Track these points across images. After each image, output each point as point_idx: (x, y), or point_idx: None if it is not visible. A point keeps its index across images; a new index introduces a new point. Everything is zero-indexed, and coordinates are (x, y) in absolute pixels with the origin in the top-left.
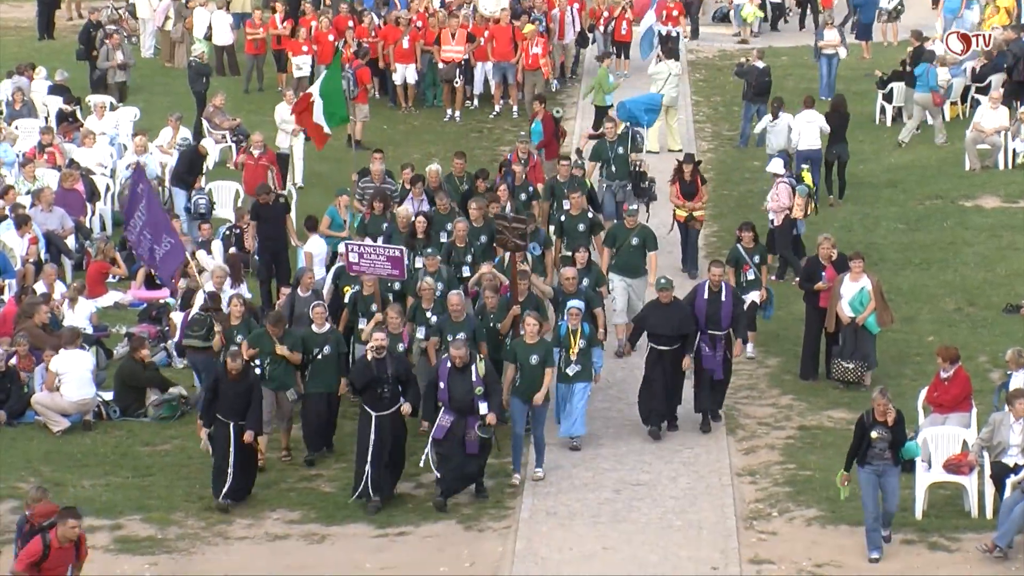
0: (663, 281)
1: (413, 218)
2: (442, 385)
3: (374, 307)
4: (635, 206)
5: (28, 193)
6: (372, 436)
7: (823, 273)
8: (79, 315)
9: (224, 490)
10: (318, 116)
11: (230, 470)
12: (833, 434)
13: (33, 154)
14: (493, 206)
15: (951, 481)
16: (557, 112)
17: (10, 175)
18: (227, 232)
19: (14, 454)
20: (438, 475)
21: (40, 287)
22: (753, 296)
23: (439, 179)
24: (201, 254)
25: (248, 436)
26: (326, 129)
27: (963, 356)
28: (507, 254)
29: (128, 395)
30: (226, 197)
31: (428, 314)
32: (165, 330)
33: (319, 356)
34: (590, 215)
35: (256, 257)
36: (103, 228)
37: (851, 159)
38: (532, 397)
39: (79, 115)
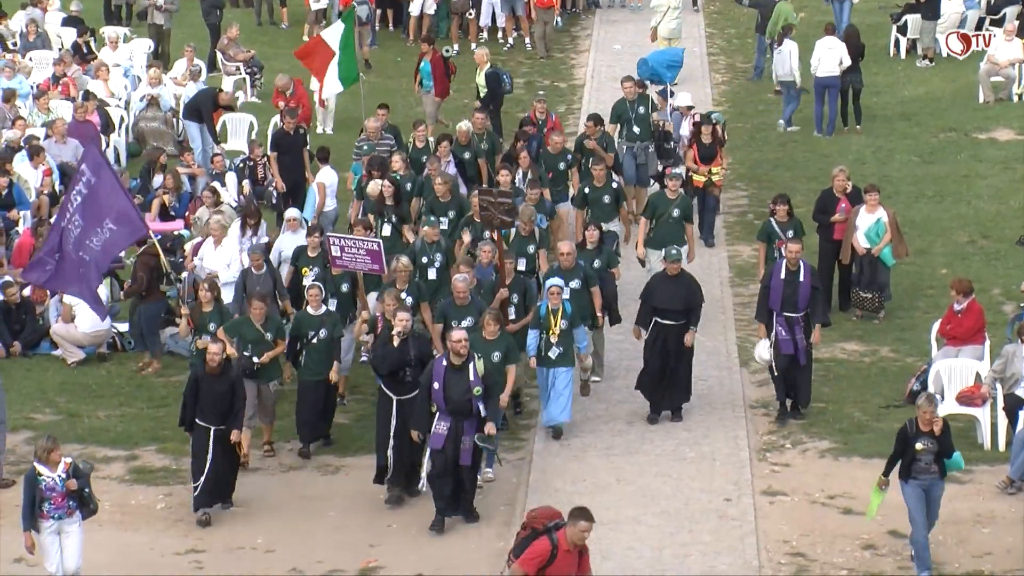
0: (674, 252)
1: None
2: (436, 386)
3: (344, 287)
4: (679, 170)
5: (43, 125)
6: (394, 420)
7: (841, 206)
8: None
9: (199, 498)
10: (332, 76)
11: (202, 478)
12: (846, 366)
13: (47, 86)
14: (503, 175)
15: (964, 413)
16: (446, 51)
17: (24, 107)
18: (240, 164)
19: (29, 385)
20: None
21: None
22: None
23: (469, 138)
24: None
25: (235, 436)
26: (338, 88)
27: (976, 288)
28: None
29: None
30: (240, 129)
31: (403, 295)
32: (179, 261)
33: (314, 340)
34: (615, 185)
35: (272, 189)
36: (117, 160)
37: (865, 91)
38: (491, 397)
39: (93, 47)
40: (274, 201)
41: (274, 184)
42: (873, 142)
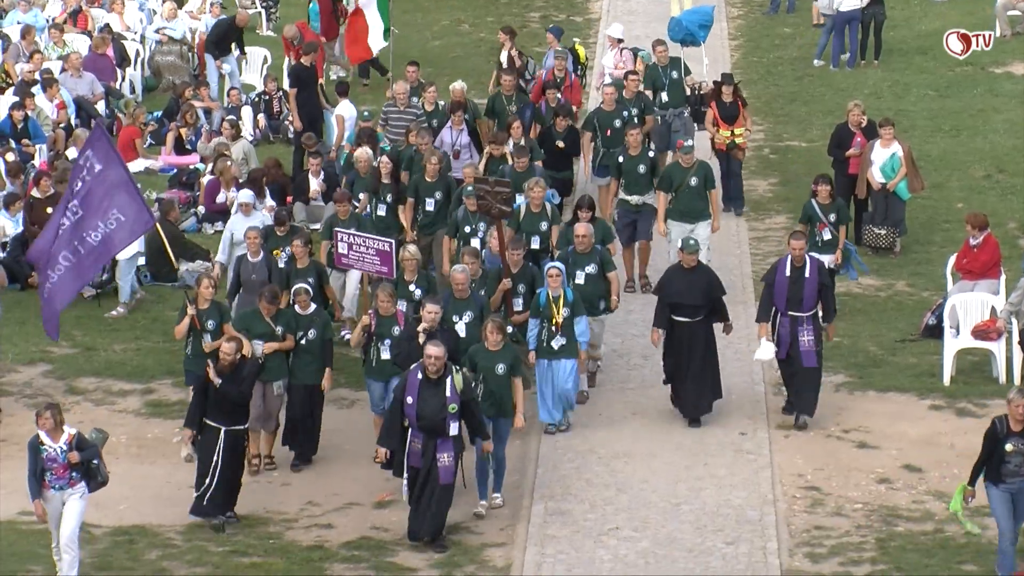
0: (692, 242)
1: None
2: (410, 400)
3: (311, 281)
4: (690, 142)
5: (58, 58)
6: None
7: (856, 140)
8: None
9: (198, 504)
10: (375, 38)
11: (210, 481)
12: (862, 300)
13: (63, 19)
14: (494, 148)
15: (979, 347)
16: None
17: (40, 40)
18: (256, 99)
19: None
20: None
21: (72, 152)
22: (826, 260)
23: (463, 98)
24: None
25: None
26: (375, 51)
27: (992, 223)
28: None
29: (160, 260)
30: (255, 63)
31: (412, 287)
32: (195, 195)
33: (302, 341)
34: (651, 154)
35: (287, 123)
36: (133, 93)
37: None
38: (496, 412)
39: None
40: (290, 135)
41: (290, 120)
42: (889, 76)
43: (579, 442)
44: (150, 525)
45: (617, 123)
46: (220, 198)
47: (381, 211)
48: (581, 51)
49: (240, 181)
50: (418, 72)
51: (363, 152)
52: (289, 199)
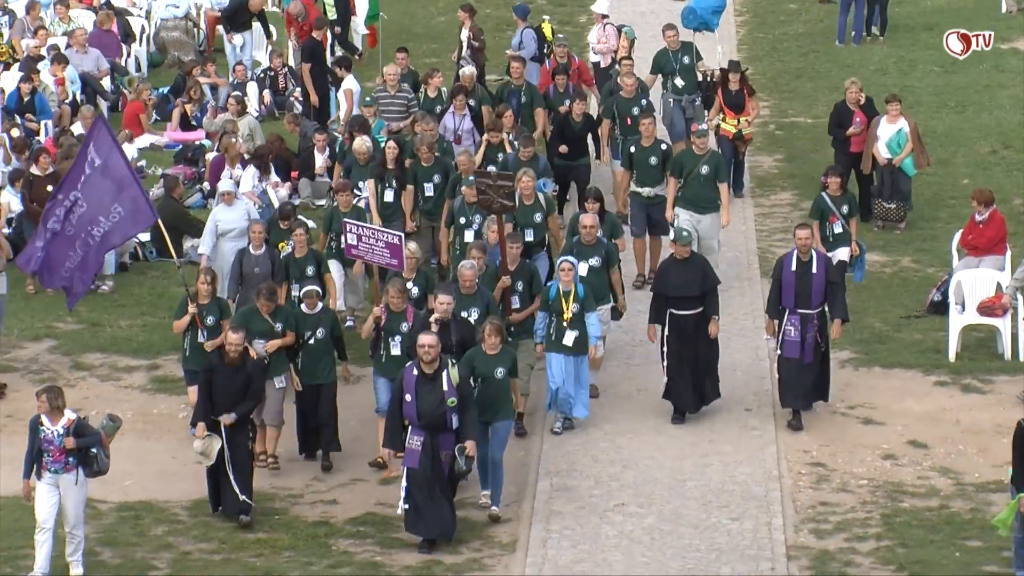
0: (684, 233)
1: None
2: (408, 398)
3: (310, 270)
4: (704, 126)
5: (63, 34)
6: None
7: (856, 119)
8: None
9: (229, 505)
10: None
11: (231, 481)
12: (867, 276)
13: None
14: (492, 135)
15: (985, 323)
16: None
17: (45, 16)
18: (261, 75)
19: (51, 294)
20: (404, 511)
21: (77, 128)
22: (841, 254)
23: (472, 83)
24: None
25: (226, 419)
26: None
27: (998, 199)
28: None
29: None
30: (260, 39)
31: (410, 284)
32: (201, 171)
33: (310, 341)
34: (664, 146)
35: (293, 98)
36: (138, 69)
37: (888, 2)
38: (494, 416)
39: None
40: (297, 110)
41: (302, 95)
42: (895, 52)
43: (585, 418)
44: (156, 501)
45: (635, 111)
46: (225, 175)
47: (388, 197)
48: (547, 29)
49: (246, 157)
50: (407, 59)
51: (361, 143)
52: (294, 175)
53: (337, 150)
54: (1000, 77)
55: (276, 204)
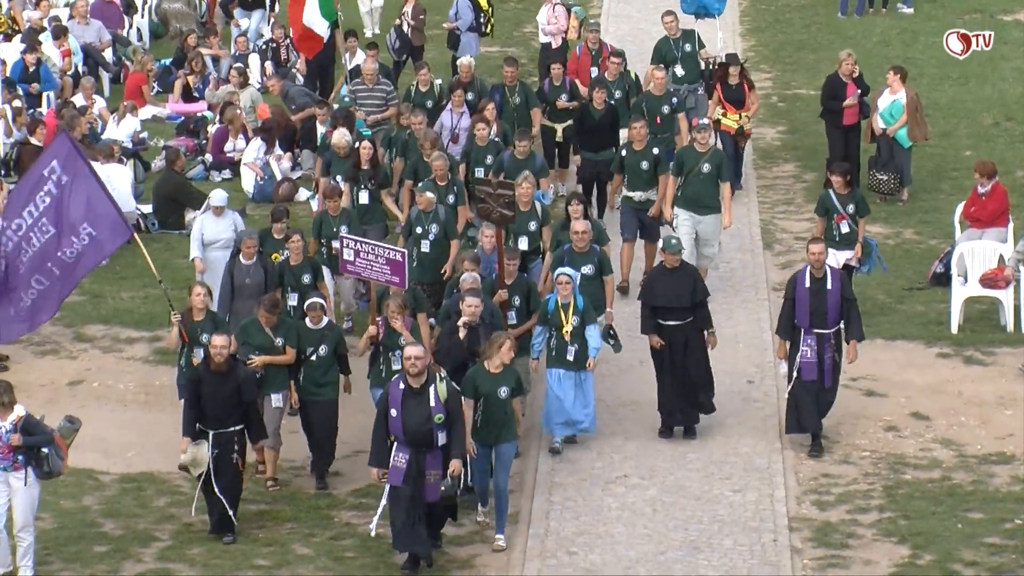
0: (673, 242)
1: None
2: (394, 413)
3: (307, 279)
4: (706, 121)
5: (65, 5)
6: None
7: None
8: (123, 131)
9: (215, 523)
10: (311, 15)
11: (217, 494)
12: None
13: None
14: (479, 128)
15: (987, 295)
16: None
17: None
18: (263, 46)
19: None
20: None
21: (79, 99)
22: (846, 256)
23: (470, 75)
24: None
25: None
26: (319, 30)
27: (1000, 171)
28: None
29: (167, 208)
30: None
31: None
32: (203, 143)
33: (312, 357)
34: (655, 151)
35: (296, 70)
36: (140, 40)
37: None
38: (496, 438)
39: None
40: (299, 82)
41: (298, 67)
42: (897, 24)
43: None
44: (158, 472)
45: (666, 109)
46: (228, 147)
47: (363, 199)
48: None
49: (249, 130)
50: (377, 55)
51: (340, 136)
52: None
53: (319, 143)
54: (1003, 49)
55: (279, 176)
